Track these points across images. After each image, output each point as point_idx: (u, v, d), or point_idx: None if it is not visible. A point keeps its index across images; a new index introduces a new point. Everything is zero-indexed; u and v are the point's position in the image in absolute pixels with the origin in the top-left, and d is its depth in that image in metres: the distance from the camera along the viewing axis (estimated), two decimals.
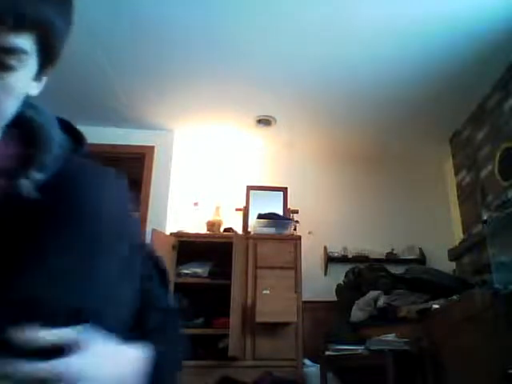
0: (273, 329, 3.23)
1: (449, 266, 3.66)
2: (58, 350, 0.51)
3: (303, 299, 3.36)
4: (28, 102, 0.64)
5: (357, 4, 2.59)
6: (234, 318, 3.15)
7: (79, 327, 0.53)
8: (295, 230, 3.75)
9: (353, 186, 4.26)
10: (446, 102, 3.51)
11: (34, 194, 0.58)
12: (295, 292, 3.34)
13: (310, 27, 2.78)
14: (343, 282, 3.61)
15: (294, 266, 3.45)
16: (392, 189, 4.28)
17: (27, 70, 0.59)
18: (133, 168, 3.77)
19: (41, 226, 0.57)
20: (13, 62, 0.55)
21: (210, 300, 3.38)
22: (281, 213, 3.90)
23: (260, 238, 3.57)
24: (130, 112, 3.75)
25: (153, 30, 2.84)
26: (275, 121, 3.86)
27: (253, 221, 3.76)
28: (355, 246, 3.97)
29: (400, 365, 2.56)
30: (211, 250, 3.51)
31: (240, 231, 3.79)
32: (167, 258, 3.26)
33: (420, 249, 4.01)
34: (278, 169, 4.26)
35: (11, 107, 0.59)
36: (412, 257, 3.95)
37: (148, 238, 3.22)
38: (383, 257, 3.93)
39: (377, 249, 3.97)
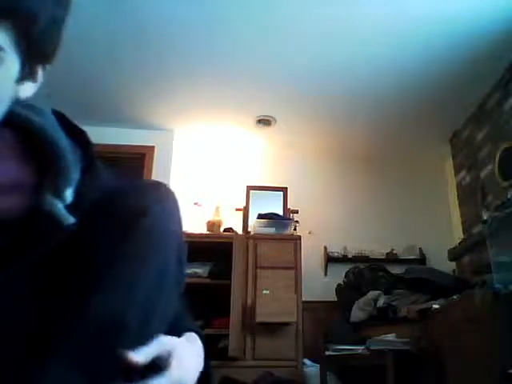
0: (273, 329, 3.23)
1: (449, 266, 3.66)
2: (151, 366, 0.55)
3: (303, 299, 3.36)
4: (26, 104, 0.59)
5: (357, 4, 2.59)
6: (234, 318, 3.15)
7: (163, 339, 0.58)
8: (295, 229, 3.75)
9: (353, 186, 4.26)
10: (445, 102, 3.51)
11: (71, 220, 0.54)
12: (295, 292, 3.34)
13: (310, 27, 2.78)
14: (343, 282, 3.62)
15: (294, 266, 3.44)
16: (392, 189, 4.28)
17: (5, 69, 0.51)
18: (133, 168, 3.77)
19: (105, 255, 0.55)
20: None
21: (210, 300, 3.37)
22: (281, 213, 3.90)
23: (260, 237, 3.57)
24: (130, 112, 3.75)
25: (153, 30, 2.84)
26: (275, 121, 3.86)
27: (253, 221, 3.76)
28: (355, 246, 3.97)
29: (400, 365, 2.56)
30: (211, 250, 3.50)
31: (240, 231, 3.79)
32: None
33: (420, 249, 4.00)
34: (278, 169, 4.26)
35: None
36: (412, 257, 3.95)
37: None
38: (383, 257, 3.93)
39: (377, 249, 3.97)
